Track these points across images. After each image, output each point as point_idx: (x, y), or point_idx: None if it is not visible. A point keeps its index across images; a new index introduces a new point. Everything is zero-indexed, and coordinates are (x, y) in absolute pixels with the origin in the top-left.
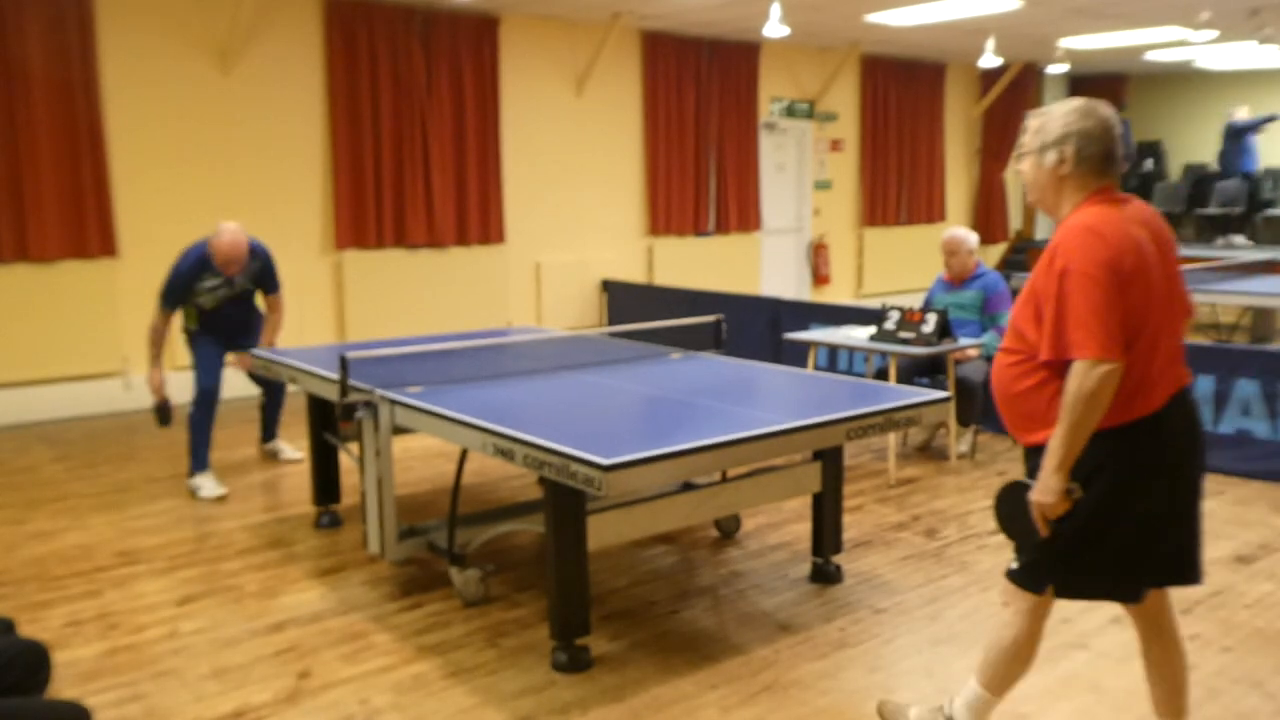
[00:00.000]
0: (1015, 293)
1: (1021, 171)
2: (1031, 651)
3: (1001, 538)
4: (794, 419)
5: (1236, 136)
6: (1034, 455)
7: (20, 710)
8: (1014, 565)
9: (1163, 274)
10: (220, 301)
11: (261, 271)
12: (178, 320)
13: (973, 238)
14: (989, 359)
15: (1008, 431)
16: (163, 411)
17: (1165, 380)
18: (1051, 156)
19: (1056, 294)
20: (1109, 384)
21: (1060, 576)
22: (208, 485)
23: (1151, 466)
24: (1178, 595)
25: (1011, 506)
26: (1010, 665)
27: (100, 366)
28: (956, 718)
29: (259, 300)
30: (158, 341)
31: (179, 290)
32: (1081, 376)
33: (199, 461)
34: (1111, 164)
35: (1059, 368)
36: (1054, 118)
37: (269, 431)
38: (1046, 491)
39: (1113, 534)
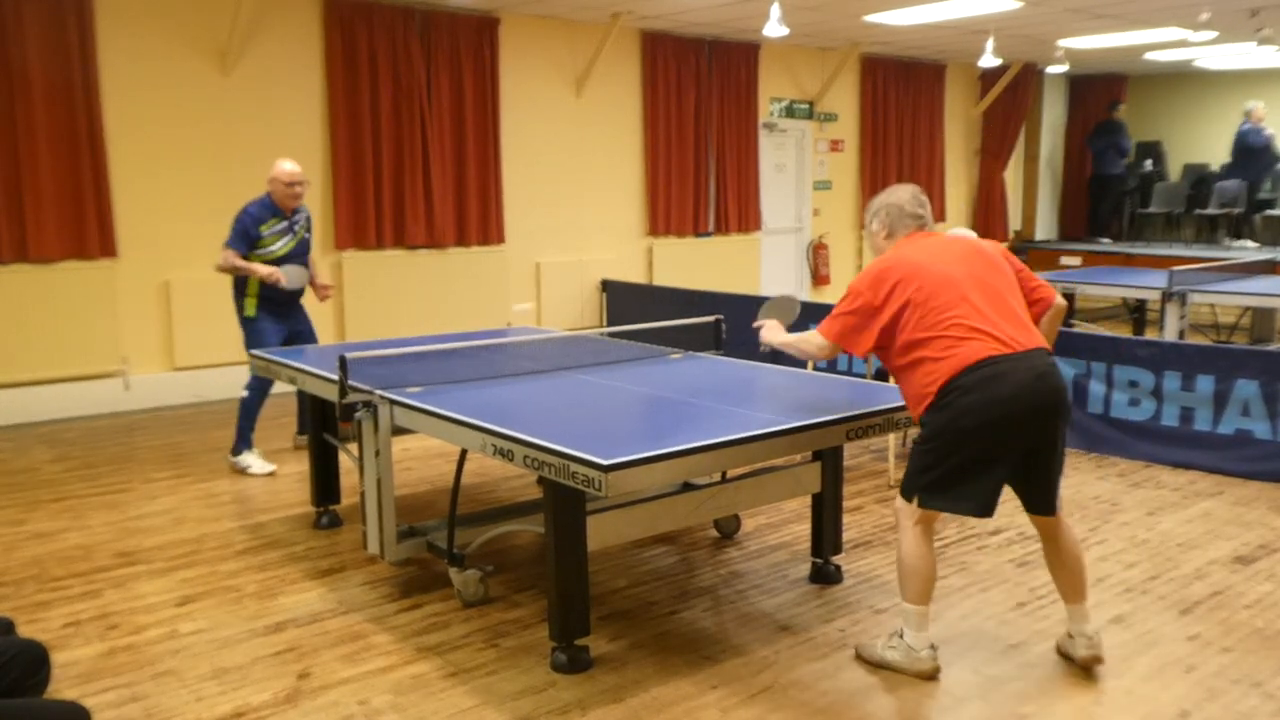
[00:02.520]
0: None
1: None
2: (923, 563)
3: (1001, 539)
4: (794, 419)
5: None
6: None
7: (20, 710)
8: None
9: (969, 271)
10: (290, 248)
11: (309, 222)
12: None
13: (973, 236)
14: None
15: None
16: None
17: (968, 355)
18: (875, 224)
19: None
20: (819, 351)
21: (921, 493)
22: (257, 463)
23: (967, 422)
24: (1178, 596)
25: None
26: (910, 577)
27: (100, 366)
28: (904, 631)
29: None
30: (236, 263)
31: (250, 233)
32: (809, 339)
33: (245, 441)
34: (913, 219)
35: (905, 357)
36: (874, 202)
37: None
38: (764, 339)
39: (943, 466)
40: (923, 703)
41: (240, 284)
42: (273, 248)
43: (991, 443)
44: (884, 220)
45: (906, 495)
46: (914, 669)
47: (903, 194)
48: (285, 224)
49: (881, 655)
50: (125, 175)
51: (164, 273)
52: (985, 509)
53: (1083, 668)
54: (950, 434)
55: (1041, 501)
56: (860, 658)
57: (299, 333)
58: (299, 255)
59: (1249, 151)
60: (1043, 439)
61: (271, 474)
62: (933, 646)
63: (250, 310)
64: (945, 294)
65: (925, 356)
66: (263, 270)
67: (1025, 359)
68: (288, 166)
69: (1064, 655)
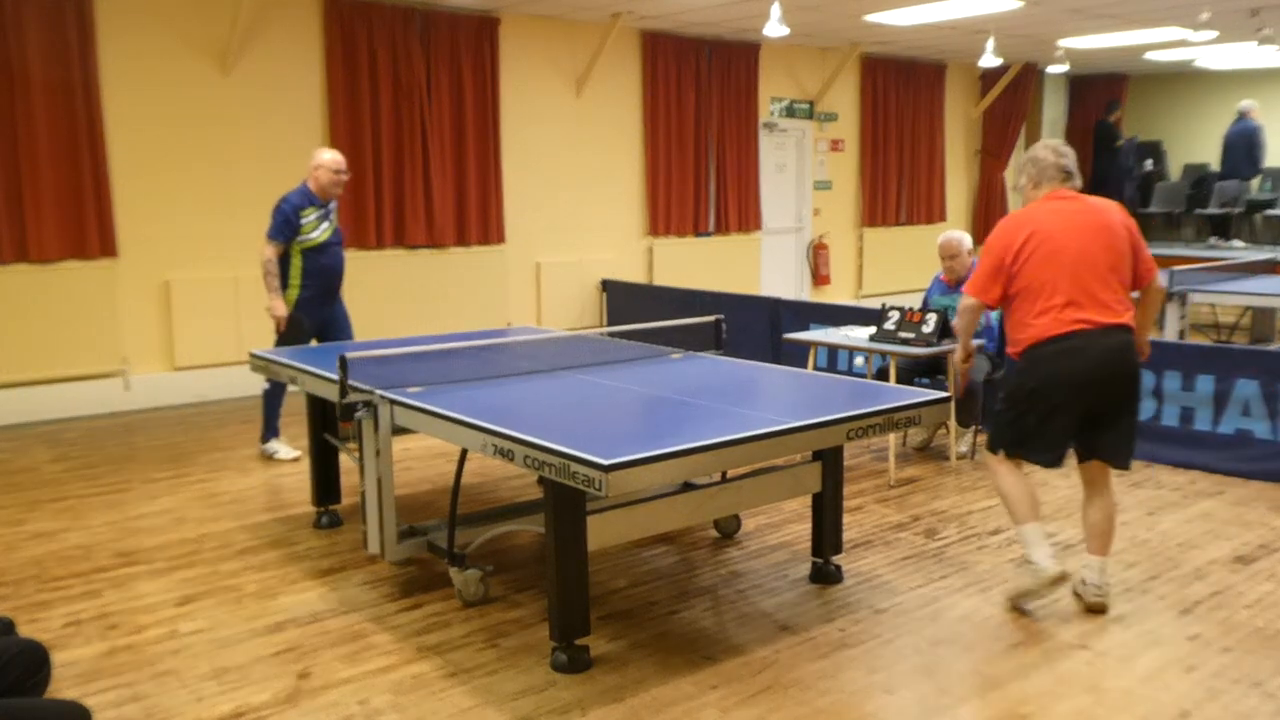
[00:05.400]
0: None
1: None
2: (1020, 488)
3: (1001, 539)
4: (794, 419)
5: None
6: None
7: (20, 710)
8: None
9: (1081, 246)
10: (329, 234)
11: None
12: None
13: (968, 238)
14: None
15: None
16: (292, 329)
17: (1061, 322)
18: (1023, 179)
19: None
20: (971, 311)
21: (1004, 444)
22: (283, 449)
23: (1039, 387)
24: (1178, 596)
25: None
26: (1016, 502)
27: (100, 366)
28: (1028, 552)
29: None
30: (274, 272)
31: (292, 221)
32: (963, 308)
33: (272, 430)
34: (1057, 170)
35: (1009, 304)
36: (1020, 160)
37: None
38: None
39: (1021, 418)
40: (923, 702)
41: (283, 276)
42: (313, 234)
43: (1058, 404)
44: (1030, 173)
45: (993, 448)
46: (1046, 580)
47: (1043, 150)
48: (322, 210)
49: (1018, 587)
50: (125, 175)
51: (164, 273)
52: (1054, 461)
53: (1090, 611)
54: (1024, 395)
55: (1113, 451)
56: (1012, 605)
57: (334, 320)
58: (337, 242)
59: (1255, 147)
60: (1106, 403)
61: (297, 459)
62: (1054, 557)
63: (290, 304)
64: (1055, 263)
65: (1023, 308)
66: (277, 310)
67: (1103, 336)
68: (334, 155)
69: (1077, 596)
